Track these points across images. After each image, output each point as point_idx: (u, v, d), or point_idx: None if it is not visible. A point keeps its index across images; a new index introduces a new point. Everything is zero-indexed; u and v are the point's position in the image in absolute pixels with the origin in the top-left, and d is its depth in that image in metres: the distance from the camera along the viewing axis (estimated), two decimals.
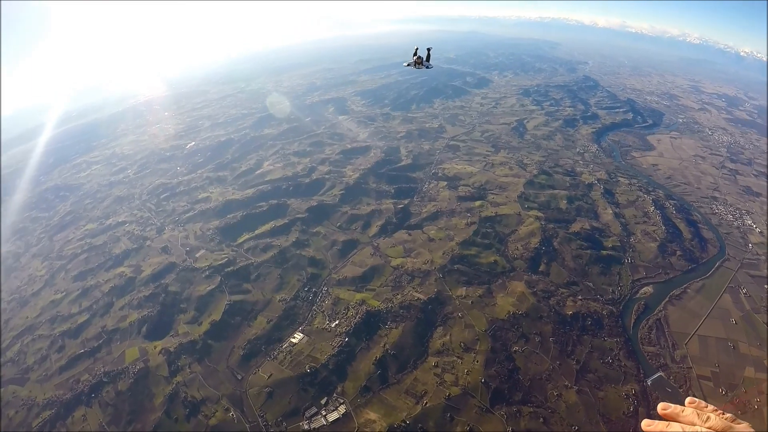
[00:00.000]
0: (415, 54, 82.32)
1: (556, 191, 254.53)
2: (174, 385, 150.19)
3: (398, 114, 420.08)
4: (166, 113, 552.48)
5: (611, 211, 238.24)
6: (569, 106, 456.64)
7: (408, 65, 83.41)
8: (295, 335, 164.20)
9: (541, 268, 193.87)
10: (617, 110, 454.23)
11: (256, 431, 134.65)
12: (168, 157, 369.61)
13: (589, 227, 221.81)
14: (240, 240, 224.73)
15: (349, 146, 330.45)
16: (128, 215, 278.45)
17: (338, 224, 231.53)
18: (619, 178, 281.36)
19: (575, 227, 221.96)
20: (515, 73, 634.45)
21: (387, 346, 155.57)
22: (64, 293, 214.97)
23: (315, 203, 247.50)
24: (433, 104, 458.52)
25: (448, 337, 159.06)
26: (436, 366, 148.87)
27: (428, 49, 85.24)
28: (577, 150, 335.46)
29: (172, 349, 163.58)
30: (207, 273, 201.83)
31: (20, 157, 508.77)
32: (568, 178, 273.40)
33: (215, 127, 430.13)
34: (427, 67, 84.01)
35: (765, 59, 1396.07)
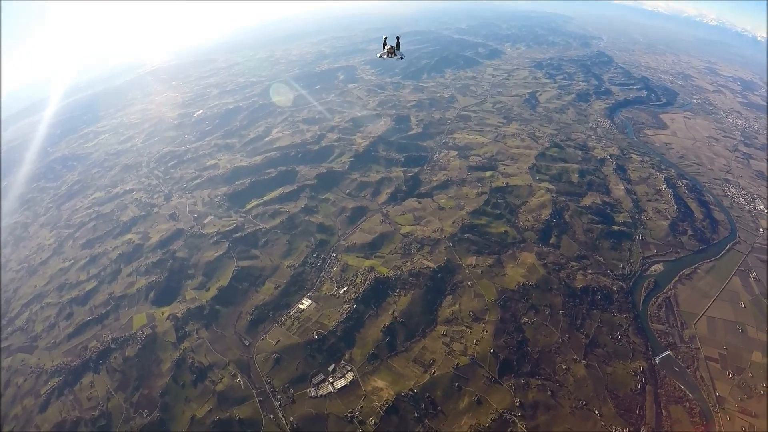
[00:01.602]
0: (384, 44, 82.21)
1: (567, 164, 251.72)
2: (181, 351, 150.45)
3: (409, 83, 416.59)
4: (174, 82, 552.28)
5: (623, 187, 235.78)
6: (582, 81, 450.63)
7: (381, 56, 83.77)
8: (303, 301, 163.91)
9: (552, 240, 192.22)
10: (631, 87, 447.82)
11: (263, 397, 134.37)
12: (176, 125, 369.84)
13: (600, 202, 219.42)
14: (248, 206, 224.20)
15: (358, 114, 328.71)
16: (136, 183, 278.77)
17: (347, 191, 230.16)
18: (632, 155, 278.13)
19: (586, 201, 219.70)
20: (528, 46, 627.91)
21: (396, 314, 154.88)
22: (72, 261, 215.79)
23: (324, 170, 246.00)
24: (444, 74, 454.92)
25: (457, 306, 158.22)
26: (445, 335, 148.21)
27: (397, 38, 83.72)
28: (590, 125, 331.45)
29: (179, 315, 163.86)
30: (215, 239, 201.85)
31: (27, 129, 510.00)
32: (580, 152, 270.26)
33: (223, 95, 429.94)
34: (401, 57, 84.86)
35: None
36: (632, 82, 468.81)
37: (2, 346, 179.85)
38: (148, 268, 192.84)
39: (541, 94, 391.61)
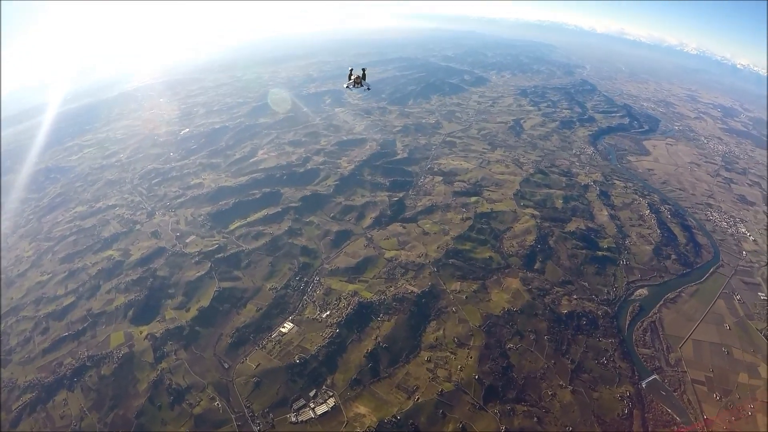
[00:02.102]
0: (350, 75, 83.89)
1: (552, 190, 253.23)
2: (159, 372, 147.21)
3: (395, 108, 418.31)
4: (161, 99, 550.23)
5: (607, 213, 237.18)
6: (566, 108, 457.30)
7: (347, 87, 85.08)
8: (285, 324, 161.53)
9: (537, 265, 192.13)
10: (614, 114, 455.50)
11: (241, 422, 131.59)
12: (161, 142, 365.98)
13: (584, 227, 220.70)
14: (231, 227, 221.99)
15: (344, 138, 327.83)
16: (119, 199, 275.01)
17: (332, 214, 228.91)
18: (615, 181, 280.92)
19: (571, 226, 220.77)
20: (513, 74, 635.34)
21: (379, 339, 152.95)
22: (51, 275, 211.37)
23: (309, 193, 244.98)
24: (430, 100, 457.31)
25: (441, 332, 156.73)
26: (429, 360, 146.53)
27: (363, 69, 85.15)
28: (574, 151, 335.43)
29: (158, 335, 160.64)
30: (197, 259, 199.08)
31: (11, 138, 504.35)
32: (564, 178, 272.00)
33: (210, 115, 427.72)
34: (367, 88, 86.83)
35: (764, 72, 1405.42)
36: (615, 109, 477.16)
37: None
38: (128, 285, 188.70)
39: (525, 121, 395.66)
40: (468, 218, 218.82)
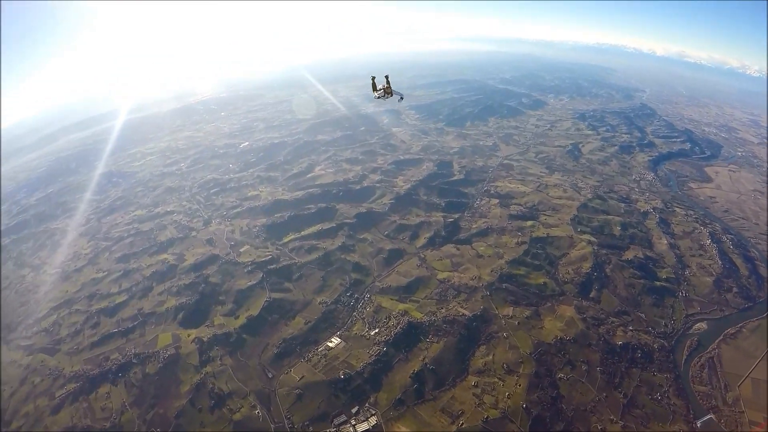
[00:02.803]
0: (374, 86, 75.50)
1: (610, 217, 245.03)
2: (203, 375, 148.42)
3: (452, 130, 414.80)
4: (223, 113, 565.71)
5: (666, 242, 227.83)
6: (625, 133, 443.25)
7: (378, 97, 75.94)
8: (332, 339, 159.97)
9: (592, 294, 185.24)
10: (674, 139, 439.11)
11: None
12: (221, 154, 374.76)
13: (642, 256, 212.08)
14: (285, 239, 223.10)
15: (401, 157, 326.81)
16: (177, 205, 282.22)
17: (386, 232, 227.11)
18: (675, 208, 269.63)
19: (628, 255, 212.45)
20: (571, 97, 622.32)
21: (426, 360, 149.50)
22: (106, 273, 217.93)
23: (364, 210, 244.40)
24: (487, 122, 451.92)
25: (490, 357, 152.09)
26: (476, 386, 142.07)
27: (386, 77, 75.62)
28: (633, 177, 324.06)
29: (205, 339, 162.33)
30: (249, 268, 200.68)
31: (77, 143, 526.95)
32: (622, 205, 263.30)
33: (269, 130, 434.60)
34: (400, 98, 77.63)
35: None
36: (675, 134, 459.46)
37: (24, 344, 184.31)
38: (180, 289, 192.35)
39: (584, 146, 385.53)
40: (523, 242, 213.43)
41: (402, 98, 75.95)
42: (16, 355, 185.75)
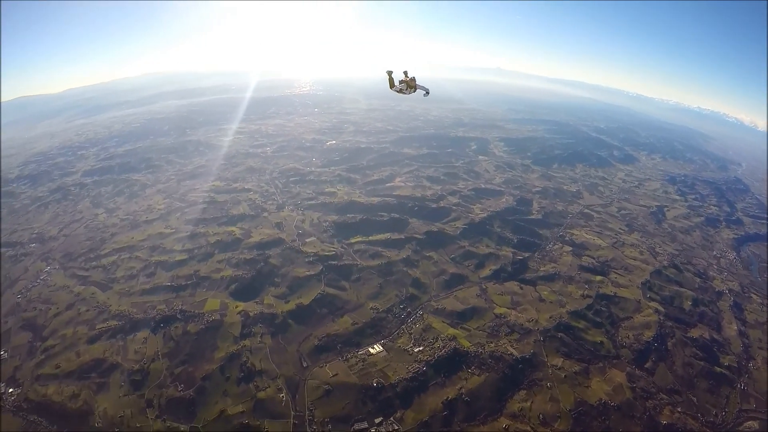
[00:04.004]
0: (390, 80, 65.58)
1: (682, 289, 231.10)
2: (240, 347, 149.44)
3: (538, 169, 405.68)
4: (316, 110, 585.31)
5: (736, 327, 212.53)
6: (714, 205, 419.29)
7: (400, 91, 66.32)
8: (375, 346, 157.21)
9: (648, 364, 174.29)
10: (764, 221, 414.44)
11: (298, 421, 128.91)
12: (307, 147, 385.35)
13: (708, 337, 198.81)
14: (352, 240, 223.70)
15: (482, 186, 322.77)
16: (255, 185, 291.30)
17: (452, 256, 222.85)
18: (752, 294, 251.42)
19: (694, 333, 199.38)
20: (663, 158, 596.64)
21: (463, 391, 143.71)
22: (174, 231, 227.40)
23: (435, 229, 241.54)
24: (574, 168, 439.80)
25: (528, 404, 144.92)
26: (507, 429, 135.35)
27: (405, 72, 65.29)
28: (714, 253, 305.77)
29: (251, 314, 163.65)
30: (311, 259, 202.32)
31: (172, 109, 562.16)
32: (698, 279, 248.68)
33: (357, 134, 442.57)
34: (426, 92, 67.61)
35: None
36: (766, 215, 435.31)
37: (80, 274, 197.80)
38: (239, 262, 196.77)
39: (669, 210, 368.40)
40: (588, 296, 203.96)
41: (428, 93, 67.67)
42: (70, 282, 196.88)
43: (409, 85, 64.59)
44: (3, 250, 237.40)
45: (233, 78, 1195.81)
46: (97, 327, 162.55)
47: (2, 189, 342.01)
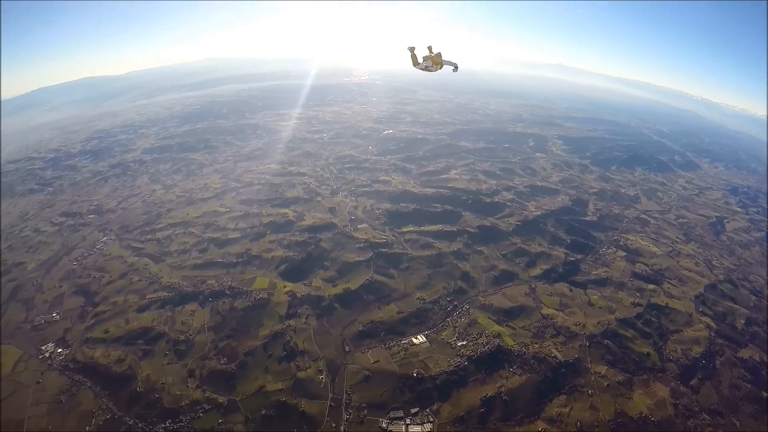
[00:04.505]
0: (413, 57, 59.36)
1: (737, 306, 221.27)
2: (284, 326, 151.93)
3: (596, 170, 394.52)
4: (374, 98, 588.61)
5: None
6: None
7: (425, 69, 59.92)
8: (418, 337, 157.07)
9: (693, 381, 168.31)
10: None
11: (335, 404, 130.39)
12: (363, 135, 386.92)
13: (759, 359, 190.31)
14: (404, 229, 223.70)
15: (538, 183, 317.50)
16: (310, 170, 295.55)
17: (503, 252, 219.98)
18: None
19: (745, 353, 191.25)
20: (727, 167, 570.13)
21: (502, 389, 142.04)
22: (228, 210, 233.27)
23: (488, 224, 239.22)
24: (633, 171, 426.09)
25: (567, 409, 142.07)
26: None
27: (429, 48, 59.38)
28: None
29: (298, 295, 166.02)
30: (361, 245, 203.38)
31: (232, 93, 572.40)
32: (753, 298, 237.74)
33: (415, 124, 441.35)
34: (455, 68, 61.03)
35: None
36: None
37: (135, 246, 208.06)
38: (291, 244, 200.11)
39: (729, 222, 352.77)
40: (639, 305, 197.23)
41: (456, 68, 61.41)
42: (125, 252, 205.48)
43: (435, 61, 59.92)
44: (62, 219, 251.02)
45: (292, 65, 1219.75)
46: (148, 297, 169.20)
47: (64, 162, 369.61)
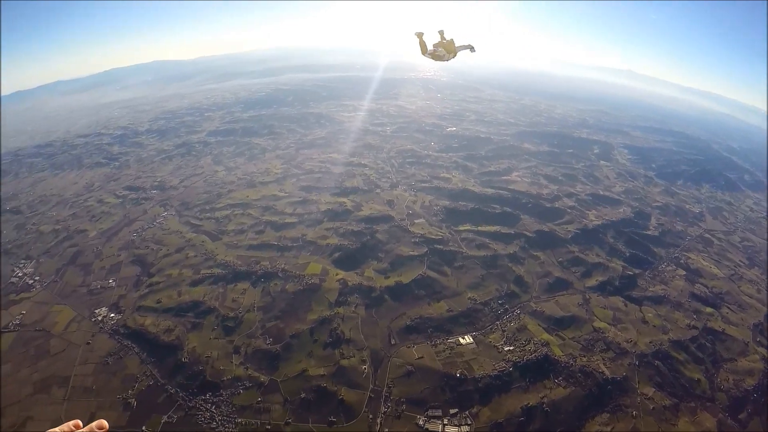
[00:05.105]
0: (421, 43, 48.94)
1: None
2: (333, 313, 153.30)
3: (661, 183, 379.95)
4: (439, 95, 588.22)
5: None
6: None
7: (436, 57, 50.11)
8: (466, 337, 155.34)
9: (742, 415, 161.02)
10: None
11: (374, 395, 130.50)
12: (426, 130, 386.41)
13: None
14: (461, 228, 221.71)
15: (600, 192, 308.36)
16: (371, 161, 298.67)
17: (560, 259, 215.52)
18: None
19: None
20: None
21: (545, 400, 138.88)
22: (287, 195, 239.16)
23: (546, 229, 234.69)
24: (700, 187, 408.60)
25: (608, 429, 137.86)
26: None
27: (440, 32, 49.87)
28: None
29: (349, 284, 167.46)
30: (416, 240, 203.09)
31: (297, 82, 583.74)
32: None
33: (478, 123, 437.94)
34: (472, 49, 51.97)
35: None
36: None
37: (194, 222, 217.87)
38: (346, 233, 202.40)
39: None
40: (694, 327, 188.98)
41: (474, 49, 52.38)
42: (183, 228, 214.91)
43: (448, 49, 50.40)
44: (126, 192, 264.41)
45: (358, 56, 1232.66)
46: (202, 272, 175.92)
47: (131, 139, 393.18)
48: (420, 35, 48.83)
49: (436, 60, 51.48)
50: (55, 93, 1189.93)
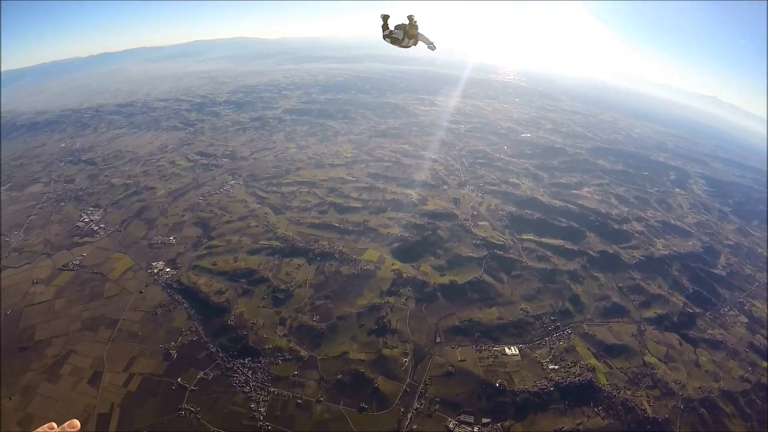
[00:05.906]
0: (384, 24, 44.75)
1: None
2: (383, 302, 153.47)
3: (736, 220, 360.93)
4: (517, 99, 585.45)
5: None
6: None
7: (394, 40, 44.52)
8: (512, 348, 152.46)
9: None
10: None
11: (410, 389, 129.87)
12: (500, 134, 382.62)
13: None
14: (524, 236, 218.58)
15: (671, 221, 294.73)
16: (442, 157, 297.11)
17: (620, 284, 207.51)
18: None
19: None
20: None
21: (580, 427, 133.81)
22: (355, 180, 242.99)
23: (611, 251, 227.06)
24: None
25: None
26: None
27: (410, 17, 44.38)
28: None
29: (404, 275, 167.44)
30: (477, 242, 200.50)
31: (376, 70, 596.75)
32: None
33: (554, 133, 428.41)
34: (432, 47, 46.05)
35: None
36: None
37: (259, 194, 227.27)
38: (408, 225, 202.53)
39: None
40: (747, 380, 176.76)
41: (434, 47, 46.78)
42: (249, 198, 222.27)
43: (409, 34, 45.38)
44: (198, 157, 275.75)
45: (439, 53, 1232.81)
46: (260, 242, 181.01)
47: (208, 108, 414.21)
48: (385, 18, 45.55)
49: (394, 44, 45.88)
50: (138, 59, 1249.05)
